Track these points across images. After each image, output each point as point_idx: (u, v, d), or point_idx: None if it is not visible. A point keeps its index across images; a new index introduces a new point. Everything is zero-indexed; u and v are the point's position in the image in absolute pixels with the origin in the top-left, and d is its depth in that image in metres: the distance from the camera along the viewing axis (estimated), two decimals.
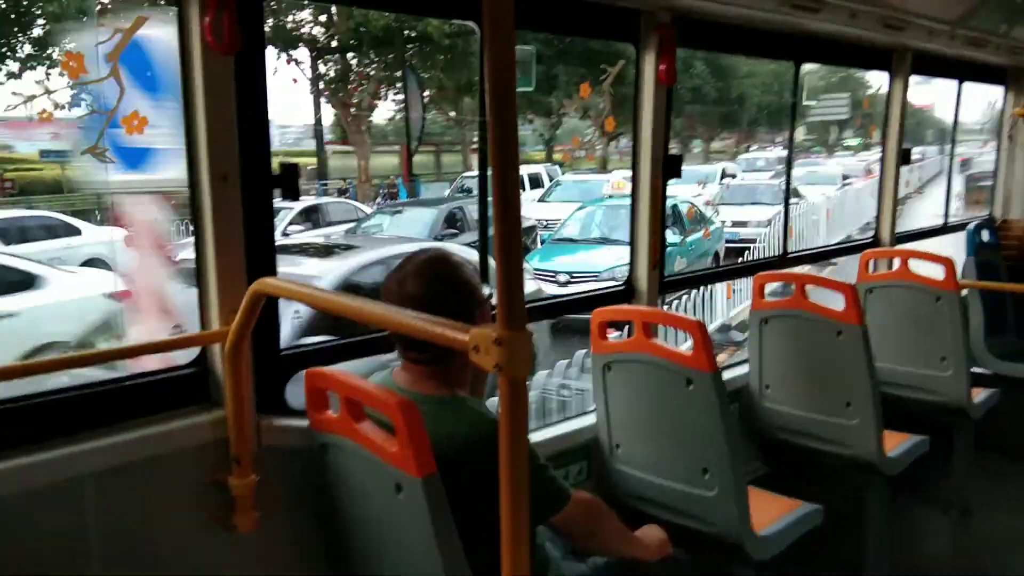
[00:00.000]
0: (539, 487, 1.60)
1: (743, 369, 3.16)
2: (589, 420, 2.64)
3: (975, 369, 3.54)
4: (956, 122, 5.02)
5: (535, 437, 2.51)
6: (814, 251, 3.92)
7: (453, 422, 1.63)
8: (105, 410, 1.78)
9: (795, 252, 3.68)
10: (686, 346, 2.34)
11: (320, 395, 1.72)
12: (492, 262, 1.11)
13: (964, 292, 3.61)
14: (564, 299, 2.92)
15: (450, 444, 1.55)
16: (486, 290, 1.81)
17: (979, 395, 3.47)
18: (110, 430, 1.75)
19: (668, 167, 2.83)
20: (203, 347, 1.92)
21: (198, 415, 1.86)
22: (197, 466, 1.83)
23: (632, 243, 2.90)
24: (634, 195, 2.87)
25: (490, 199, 1.12)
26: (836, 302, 2.87)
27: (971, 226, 4.26)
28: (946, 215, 4.86)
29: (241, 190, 1.82)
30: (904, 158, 4.00)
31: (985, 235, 4.27)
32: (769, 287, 3.21)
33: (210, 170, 1.78)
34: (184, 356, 1.93)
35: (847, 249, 4.09)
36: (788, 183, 3.80)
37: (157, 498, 1.78)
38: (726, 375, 2.33)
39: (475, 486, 1.52)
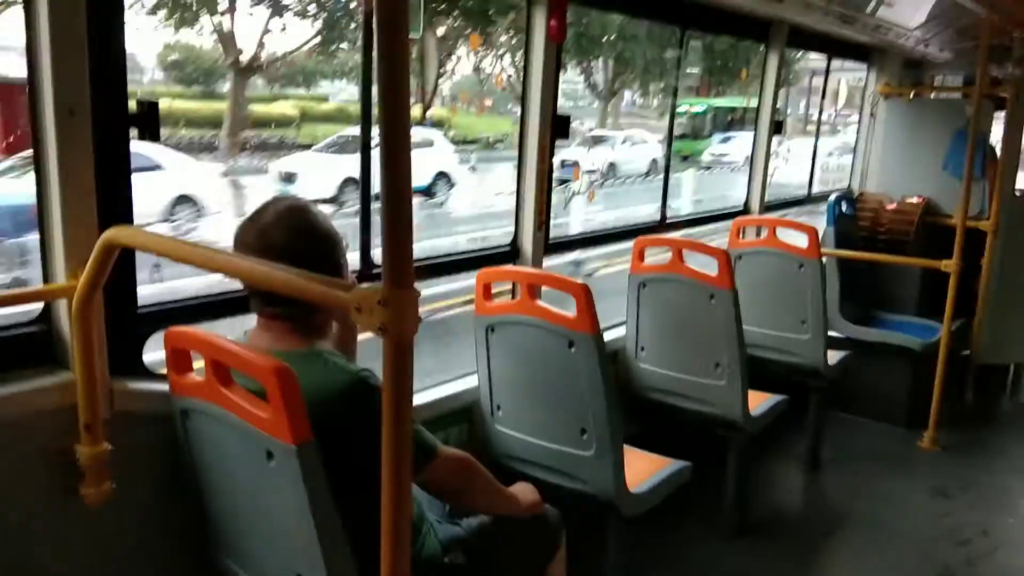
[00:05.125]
0: None
1: (620, 331, 3.22)
2: (471, 382, 2.61)
3: (830, 333, 3.78)
4: (824, 95, 5.29)
5: (414, 400, 2.45)
6: (691, 217, 4.04)
7: (317, 377, 1.53)
8: None
9: (673, 217, 3.77)
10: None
11: (182, 356, 1.59)
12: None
13: (824, 260, 3.83)
14: (448, 259, 2.85)
15: (316, 400, 1.44)
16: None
17: (833, 357, 3.71)
18: None
19: (556, 127, 2.80)
20: (47, 303, 1.73)
21: (41, 378, 1.68)
22: (41, 434, 1.65)
23: (517, 203, 2.86)
24: (521, 154, 2.83)
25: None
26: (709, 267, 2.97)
27: (832, 198, 4.51)
28: (809, 187, 5.13)
29: (92, 127, 1.63)
30: (776, 129, 4.16)
31: (844, 206, 4.54)
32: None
33: (55, 102, 1.58)
34: (25, 313, 1.74)
35: (720, 216, 4.25)
36: (669, 148, 3.88)
37: None
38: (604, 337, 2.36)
39: (343, 443, 1.46)
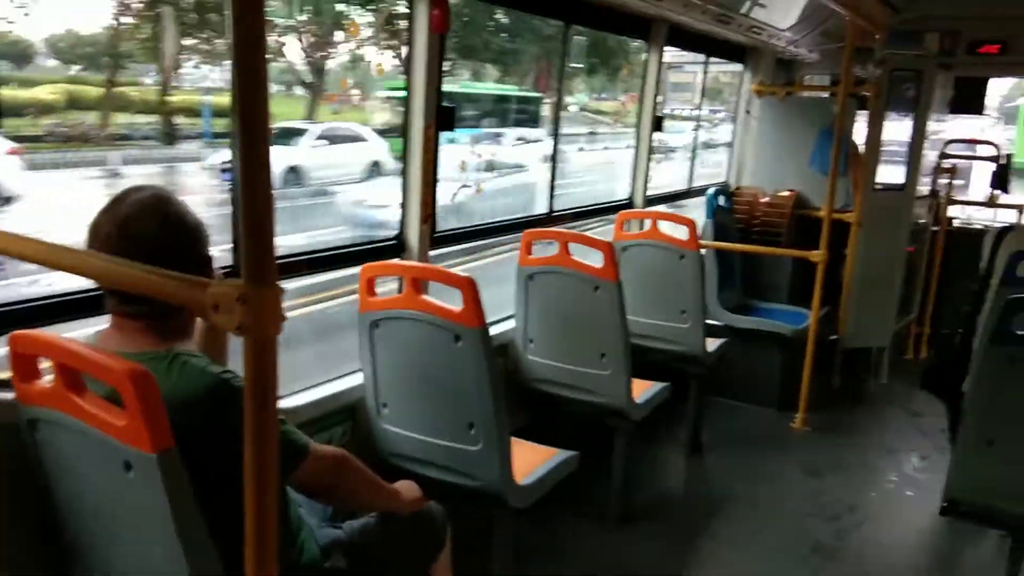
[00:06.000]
0: None
1: (510, 324, 3.23)
2: (355, 380, 2.55)
3: (708, 321, 3.92)
4: (703, 92, 5.47)
5: (293, 401, 2.37)
6: (578, 209, 4.09)
7: (174, 379, 1.44)
8: None
9: (560, 211, 3.81)
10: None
11: (28, 362, 1.46)
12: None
13: (703, 251, 3.96)
14: (329, 252, 2.76)
15: (174, 404, 1.35)
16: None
17: (712, 345, 3.86)
18: None
19: (441, 118, 2.76)
20: None
21: None
22: None
23: (404, 196, 2.81)
24: (406, 146, 2.78)
25: None
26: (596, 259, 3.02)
27: (710, 192, 4.68)
28: (689, 181, 5.31)
29: None
30: (656, 125, 4.27)
31: (721, 200, 4.72)
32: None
33: None
34: None
35: (606, 209, 4.33)
36: (556, 143, 3.91)
37: None
38: (493, 330, 2.35)
39: (205, 449, 1.38)
